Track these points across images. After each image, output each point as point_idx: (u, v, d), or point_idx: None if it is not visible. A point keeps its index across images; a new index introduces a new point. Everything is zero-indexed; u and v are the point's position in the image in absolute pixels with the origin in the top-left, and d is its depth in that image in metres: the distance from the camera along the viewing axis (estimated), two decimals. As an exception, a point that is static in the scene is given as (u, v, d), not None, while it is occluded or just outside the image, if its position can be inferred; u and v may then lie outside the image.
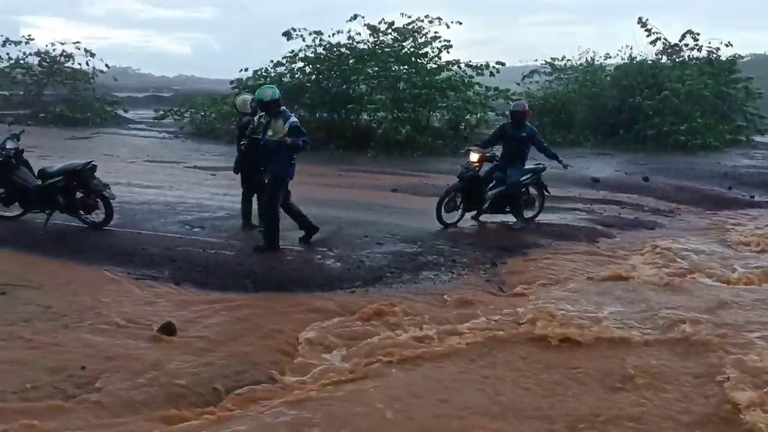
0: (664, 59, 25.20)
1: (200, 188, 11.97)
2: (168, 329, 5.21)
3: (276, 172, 7.38)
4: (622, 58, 26.34)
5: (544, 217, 10.32)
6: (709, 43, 24.74)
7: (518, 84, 25.69)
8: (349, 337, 5.27)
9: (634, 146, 22.66)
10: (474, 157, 9.15)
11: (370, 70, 21.80)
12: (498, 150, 9.64)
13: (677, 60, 25.03)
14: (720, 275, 7.36)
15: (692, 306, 6.06)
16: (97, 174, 7.98)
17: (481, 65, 22.17)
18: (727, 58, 24.70)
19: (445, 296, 6.43)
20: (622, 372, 4.52)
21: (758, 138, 24.63)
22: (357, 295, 6.42)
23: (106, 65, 28.78)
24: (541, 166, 10.13)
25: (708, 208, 12.56)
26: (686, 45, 24.84)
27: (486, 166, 9.34)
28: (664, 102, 22.86)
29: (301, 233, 7.90)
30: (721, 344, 5.00)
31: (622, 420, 3.90)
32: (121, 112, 28.78)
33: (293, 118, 7.37)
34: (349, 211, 10.39)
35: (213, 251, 7.36)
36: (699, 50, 24.80)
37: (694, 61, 24.82)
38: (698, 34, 24.58)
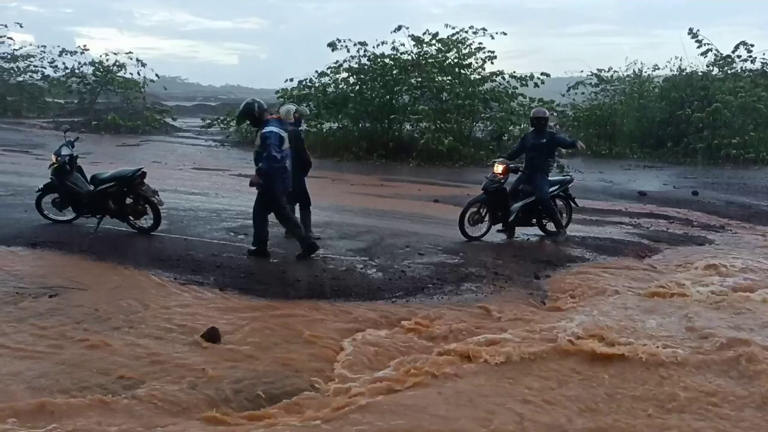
0: (716, 71, 24.60)
1: (245, 196, 12.14)
2: (212, 334, 5.28)
3: (264, 183, 7.38)
4: (671, 70, 25.86)
5: (589, 231, 10.17)
6: (764, 54, 24.08)
7: (563, 95, 25.42)
8: (391, 348, 5.25)
9: (683, 159, 22.18)
10: (499, 168, 8.99)
11: (413, 81, 21.90)
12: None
13: (729, 72, 24.40)
14: (774, 294, 7.08)
15: (745, 326, 5.85)
16: (146, 181, 8.19)
17: (526, 76, 22.09)
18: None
19: (486, 308, 6.36)
20: (670, 393, 4.38)
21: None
22: (398, 305, 6.41)
23: (156, 75, 29.71)
24: (569, 177, 9.93)
25: (761, 224, 12.18)
26: (739, 56, 24.22)
27: (512, 178, 9.20)
28: (714, 115, 22.29)
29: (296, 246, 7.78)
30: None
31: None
32: (169, 120, 29.60)
33: (266, 129, 7.26)
34: (390, 221, 10.41)
35: (257, 258, 7.46)
36: (753, 62, 24.16)
37: (747, 73, 24.16)
38: (752, 45, 23.95)
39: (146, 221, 8.18)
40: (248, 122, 8.00)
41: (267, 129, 7.27)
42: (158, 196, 8.19)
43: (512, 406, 4.25)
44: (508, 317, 6.09)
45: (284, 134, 7.41)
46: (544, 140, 9.11)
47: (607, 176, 18.09)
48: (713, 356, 5.01)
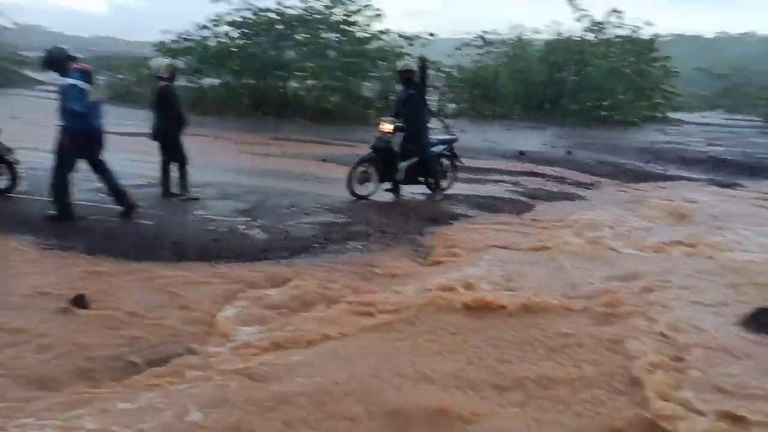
0: (590, 36, 25.88)
1: (116, 155, 11.36)
2: (80, 301, 4.92)
3: (76, 144, 6.74)
4: (550, 34, 26.88)
5: (471, 189, 10.45)
6: (632, 22, 25.56)
7: (449, 56, 25.79)
8: (273, 309, 5.14)
9: (560, 120, 23.27)
10: (386, 127, 9.04)
11: (299, 37, 21.33)
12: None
13: (601, 38, 25.76)
14: (636, 244, 7.63)
15: (610, 274, 6.25)
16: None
17: (413, 36, 22.09)
18: (647, 38, 25.62)
19: (371, 266, 6.38)
20: (542, 338, 4.61)
21: (673, 115, 25.81)
22: (282, 266, 6.27)
23: (14, 23, 27.01)
24: (454, 137, 10.15)
25: (627, 181, 13.09)
26: (610, 23, 25.56)
27: (399, 137, 9.23)
28: (588, 78, 23.53)
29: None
30: (634, 311, 5.18)
31: (541, 383, 3.98)
32: (28, 72, 27.12)
33: (65, 81, 6.60)
34: (276, 180, 10.19)
35: (130, 220, 7.03)
36: (622, 28, 25.58)
37: (617, 39, 25.61)
38: (622, 12, 25.33)
39: (1, 181, 7.46)
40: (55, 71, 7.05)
41: (66, 81, 6.60)
42: (14, 154, 7.48)
43: (398, 360, 4.29)
44: (393, 274, 6.14)
45: (86, 86, 6.66)
46: (412, 92, 9.18)
47: (490, 136, 18.67)
48: (582, 303, 5.32)
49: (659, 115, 25.24)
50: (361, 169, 8.98)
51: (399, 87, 9.56)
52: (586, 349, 4.47)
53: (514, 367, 4.19)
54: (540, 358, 4.34)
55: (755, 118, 27.30)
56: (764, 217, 9.85)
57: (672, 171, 14.60)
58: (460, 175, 10.48)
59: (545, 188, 11.44)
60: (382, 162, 9.03)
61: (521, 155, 15.37)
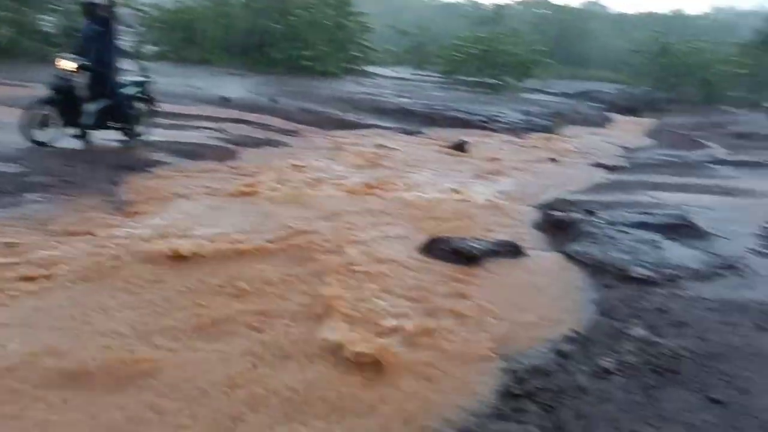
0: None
1: None
2: None
3: None
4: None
5: (172, 136, 9.95)
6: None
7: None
8: None
9: (266, 69, 23.38)
10: (66, 64, 8.11)
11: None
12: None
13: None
14: (334, 188, 8.11)
15: (309, 216, 6.55)
16: None
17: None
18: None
19: (52, 220, 5.68)
20: (238, 280, 4.64)
21: (368, 68, 27.83)
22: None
23: None
24: (146, 78, 9.49)
25: (328, 129, 13.77)
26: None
27: (84, 77, 8.32)
28: (291, 28, 23.97)
29: None
30: (329, 248, 5.52)
31: (240, 321, 4.04)
32: None
33: None
34: (-76, 124, 8.42)
35: None
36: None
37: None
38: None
39: None
40: None
41: None
42: None
43: (84, 317, 3.93)
44: (79, 228, 5.55)
45: None
46: (100, 28, 8.37)
47: (193, 81, 17.93)
48: (281, 245, 5.48)
49: (356, 67, 26.91)
50: (39, 111, 7.90)
51: (85, 22, 8.54)
52: (284, 286, 4.65)
53: (209, 311, 4.16)
54: (238, 299, 4.38)
55: (436, 74, 30.85)
56: (442, 161, 11.29)
57: (367, 120, 15.74)
58: (160, 120, 9.90)
59: (250, 135, 11.43)
60: (65, 104, 8.06)
61: (226, 101, 15.09)
